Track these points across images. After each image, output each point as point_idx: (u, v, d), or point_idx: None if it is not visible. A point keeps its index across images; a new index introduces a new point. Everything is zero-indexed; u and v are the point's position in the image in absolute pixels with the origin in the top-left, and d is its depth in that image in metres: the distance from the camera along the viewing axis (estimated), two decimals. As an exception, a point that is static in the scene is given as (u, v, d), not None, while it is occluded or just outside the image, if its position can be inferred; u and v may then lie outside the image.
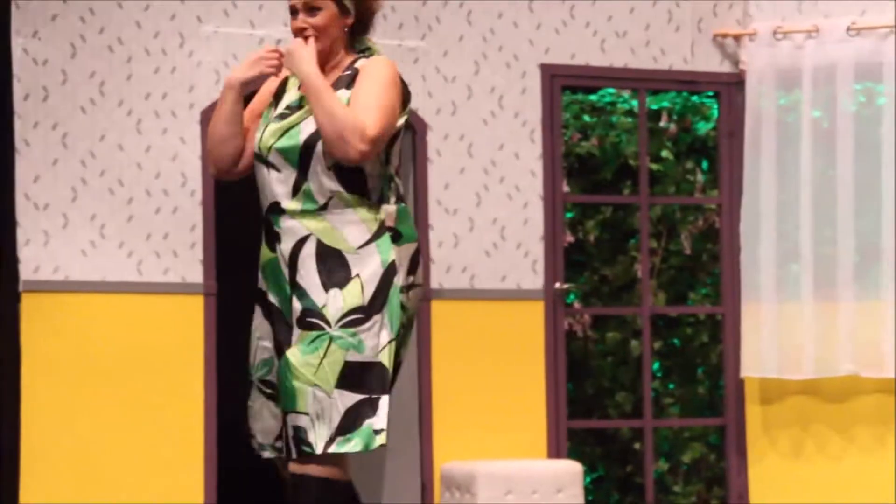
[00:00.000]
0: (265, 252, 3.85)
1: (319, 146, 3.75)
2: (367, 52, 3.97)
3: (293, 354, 3.72)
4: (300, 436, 3.72)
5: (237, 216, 7.21)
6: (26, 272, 5.99)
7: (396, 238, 3.79)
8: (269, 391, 3.87)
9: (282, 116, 3.85)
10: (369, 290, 3.73)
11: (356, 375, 3.72)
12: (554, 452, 6.63)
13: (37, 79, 6.06)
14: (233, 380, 6.79)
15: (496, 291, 6.65)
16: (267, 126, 3.85)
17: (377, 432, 3.73)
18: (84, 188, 6.10)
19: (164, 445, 6.09)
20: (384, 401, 3.73)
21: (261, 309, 3.92)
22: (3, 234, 5.90)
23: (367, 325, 3.72)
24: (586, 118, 7.58)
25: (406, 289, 3.78)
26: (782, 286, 6.74)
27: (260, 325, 3.91)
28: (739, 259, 6.85)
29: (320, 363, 3.69)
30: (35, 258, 6.03)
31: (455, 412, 6.54)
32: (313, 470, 3.70)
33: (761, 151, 6.82)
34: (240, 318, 7.37)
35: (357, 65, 3.88)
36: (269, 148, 3.81)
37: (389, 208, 3.81)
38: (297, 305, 3.74)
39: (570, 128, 7.47)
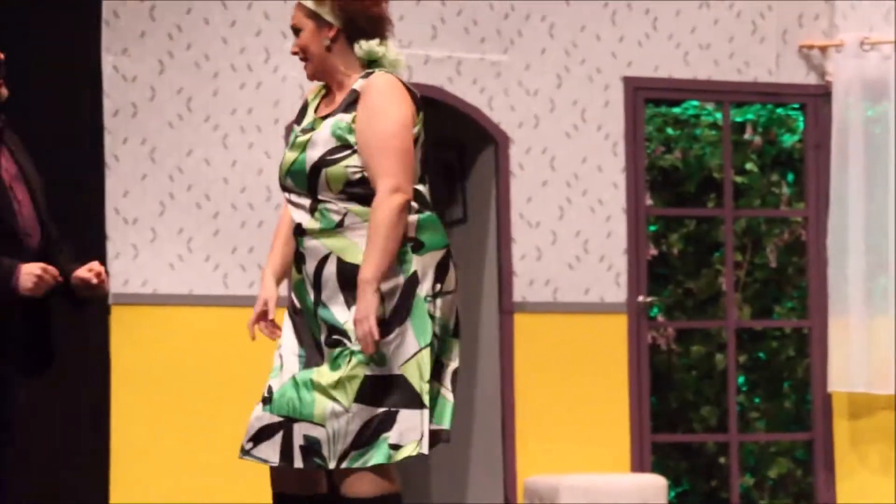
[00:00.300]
0: (294, 273, 3.85)
1: (324, 173, 3.74)
2: (372, 66, 3.85)
3: (318, 372, 3.73)
4: (312, 447, 3.73)
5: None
6: (116, 285, 6.11)
7: (418, 248, 3.72)
8: (265, 395, 3.85)
9: (292, 142, 3.85)
10: (390, 304, 3.68)
11: (376, 390, 3.69)
12: (638, 466, 6.62)
13: (126, 95, 6.18)
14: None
15: (579, 304, 6.67)
16: (286, 152, 3.87)
17: (394, 447, 3.68)
18: (172, 202, 6.21)
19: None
20: (404, 414, 3.68)
21: (291, 325, 3.90)
22: (93, 248, 6.00)
23: (388, 338, 3.67)
24: (669, 131, 7.57)
25: (433, 297, 3.72)
26: (871, 300, 6.70)
27: (285, 341, 3.90)
28: (826, 272, 6.81)
29: (340, 379, 3.70)
30: (124, 271, 6.14)
31: (538, 425, 6.56)
32: (364, 487, 3.70)
33: (849, 163, 6.78)
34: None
35: (357, 86, 3.76)
36: (285, 174, 3.82)
37: (409, 218, 3.77)
38: (323, 325, 3.75)
39: (653, 140, 7.47)
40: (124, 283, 6.13)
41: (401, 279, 3.70)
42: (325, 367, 3.72)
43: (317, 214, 3.75)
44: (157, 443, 6.09)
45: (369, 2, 3.79)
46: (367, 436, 3.68)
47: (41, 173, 4.22)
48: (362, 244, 3.71)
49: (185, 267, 6.22)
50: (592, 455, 6.57)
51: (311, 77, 3.84)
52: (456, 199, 7.02)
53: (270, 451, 3.76)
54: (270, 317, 3.87)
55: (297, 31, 3.81)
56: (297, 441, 3.73)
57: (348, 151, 3.73)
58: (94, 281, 4.05)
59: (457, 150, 6.99)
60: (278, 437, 3.74)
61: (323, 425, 3.70)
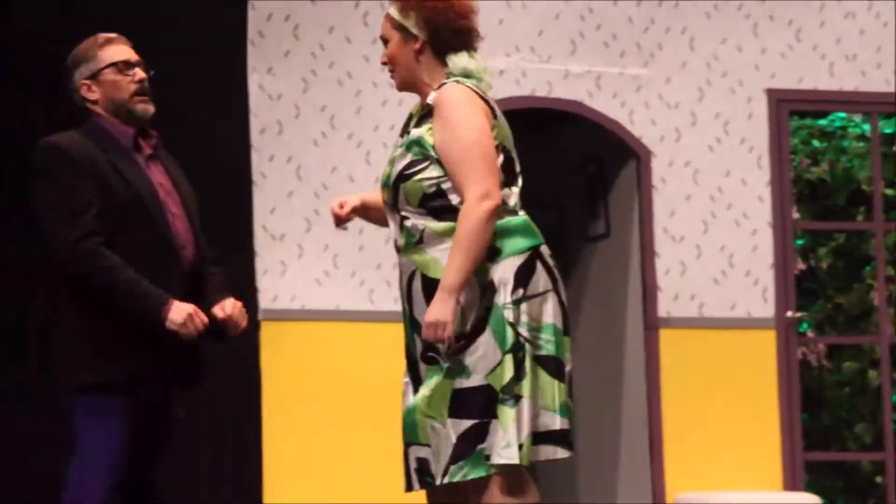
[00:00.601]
0: (397, 288, 3.92)
1: (402, 188, 3.79)
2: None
3: (420, 393, 3.78)
4: (424, 467, 3.76)
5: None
6: (265, 301, 6.22)
7: (494, 255, 3.73)
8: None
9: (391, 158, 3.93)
10: (469, 316, 3.70)
11: (465, 402, 3.70)
12: (790, 485, 6.51)
13: (272, 113, 6.29)
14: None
15: (726, 320, 6.60)
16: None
17: (489, 457, 3.68)
18: (317, 219, 6.30)
19: (394, 467, 6.17)
20: (494, 425, 3.69)
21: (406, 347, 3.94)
22: (242, 265, 6.10)
23: (471, 349, 3.70)
24: (816, 143, 7.49)
25: (516, 303, 3.71)
26: None
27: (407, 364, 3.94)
28: (983, 283, 6.65)
29: (432, 394, 3.72)
30: (273, 288, 6.24)
31: (686, 442, 6.50)
32: (493, 500, 3.69)
33: None
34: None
35: (430, 99, 3.79)
36: (382, 190, 3.88)
37: None
38: (418, 341, 3.79)
39: (798, 153, 7.39)
40: (273, 298, 6.23)
41: (478, 291, 3.71)
42: (423, 385, 3.77)
43: (403, 231, 3.80)
44: (307, 457, 6.16)
45: (454, 14, 3.80)
46: (463, 449, 3.69)
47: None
48: (442, 259, 3.73)
49: (332, 283, 6.30)
50: (742, 473, 6.49)
51: (400, 88, 3.89)
52: (598, 214, 7.01)
53: (406, 478, 3.84)
54: (344, 210, 3.93)
55: (385, 41, 3.85)
56: (412, 465, 3.78)
57: (422, 165, 3.75)
58: (229, 323, 4.10)
59: (598, 164, 6.99)
60: (405, 464, 3.81)
61: (428, 444, 3.74)
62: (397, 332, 6.28)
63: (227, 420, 6.09)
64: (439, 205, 3.75)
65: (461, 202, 3.73)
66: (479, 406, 3.68)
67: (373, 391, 6.25)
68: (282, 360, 6.19)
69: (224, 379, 5.80)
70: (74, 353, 3.92)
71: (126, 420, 3.91)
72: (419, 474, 3.76)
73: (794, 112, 6.93)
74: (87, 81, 4.01)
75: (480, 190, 3.67)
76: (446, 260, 3.70)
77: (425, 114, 3.78)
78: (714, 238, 6.64)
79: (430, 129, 3.75)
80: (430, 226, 3.74)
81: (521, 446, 3.66)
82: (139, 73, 4.03)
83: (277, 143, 6.31)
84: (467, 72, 3.80)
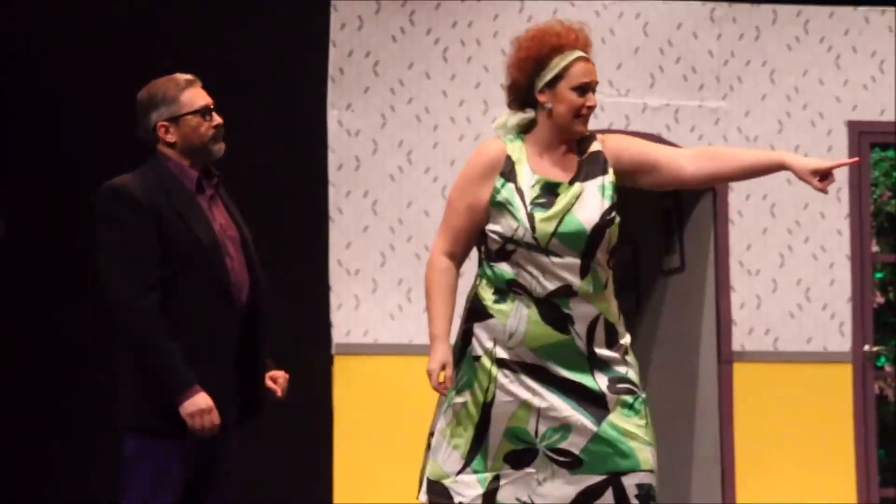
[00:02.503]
0: (551, 333, 3.96)
1: (608, 233, 3.96)
2: (584, 138, 4.05)
3: (618, 419, 3.94)
4: (647, 493, 3.94)
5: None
6: (338, 335, 6.37)
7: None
8: (561, 459, 3.97)
9: (540, 204, 3.97)
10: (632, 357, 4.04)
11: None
12: (865, 520, 6.55)
13: (349, 149, 6.45)
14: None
15: (801, 354, 6.65)
16: (530, 213, 3.96)
17: None
18: (392, 253, 6.43)
19: None
20: None
21: (537, 383, 4.00)
22: (317, 299, 6.22)
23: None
24: (896, 175, 7.49)
25: None
26: None
27: (532, 398, 3.98)
28: None
29: (647, 423, 3.97)
30: (346, 322, 6.38)
31: (760, 478, 6.56)
32: None
33: None
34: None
35: (598, 148, 4.01)
36: (550, 237, 3.94)
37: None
38: (601, 378, 3.95)
39: (879, 186, 7.41)
40: (346, 333, 6.37)
41: (628, 335, 4.10)
42: (619, 415, 3.94)
43: (588, 278, 3.94)
44: (378, 491, 6.29)
45: None
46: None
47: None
48: (613, 304, 3.98)
49: (405, 317, 6.42)
50: (818, 508, 6.53)
51: (584, 134, 4.02)
52: (673, 248, 7.08)
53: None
54: (449, 384, 4.07)
55: (594, 89, 4.01)
56: (631, 492, 3.92)
57: (615, 211, 3.97)
58: (279, 393, 4.22)
59: (674, 197, 7.06)
60: (608, 494, 3.93)
61: (652, 470, 3.95)
62: (470, 365, 6.45)
63: (299, 454, 6.21)
64: (612, 250, 4.00)
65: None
66: None
67: (444, 424, 6.37)
68: (354, 394, 6.32)
69: (296, 413, 5.90)
70: (128, 393, 3.99)
71: (176, 465, 3.96)
72: (641, 500, 3.93)
73: (874, 144, 6.95)
74: (167, 124, 4.05)
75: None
76: (613, 306, 3.99)
77: (604, 160, 3.99)
78: (790, 272, 6.69)
79: (613, 174, 3.98)
80: (609, 273, 4.00)
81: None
82: (216, 118, 4.10)
83: (354, 179, 6.46)
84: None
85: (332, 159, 6.43)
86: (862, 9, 6.80)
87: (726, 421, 6.62)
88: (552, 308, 3.94)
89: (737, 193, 6.72)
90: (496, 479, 3.97)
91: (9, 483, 6.09)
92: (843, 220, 6.74)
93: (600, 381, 3.94)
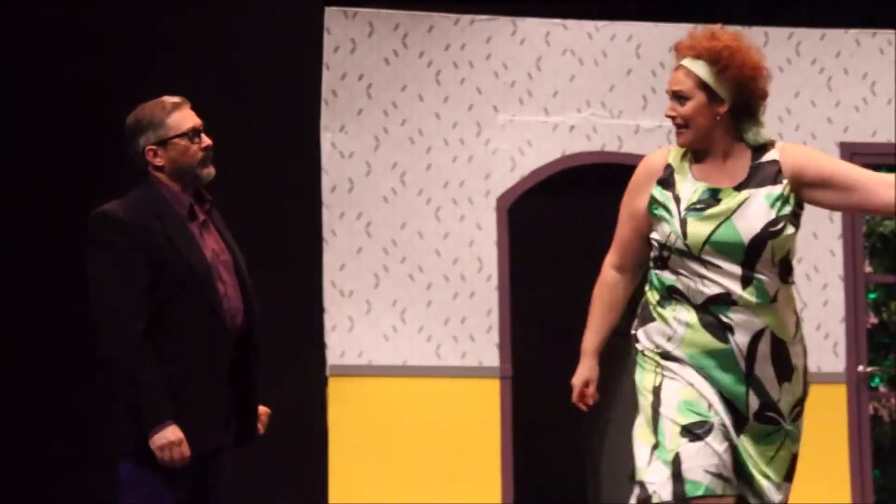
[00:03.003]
0: (710, 340, 3.86)
1: (769, 246, 3.80)
2: (763, 146, 3.90)
3: (748, 443, 3.85)
4: None
5: (533, 300, 7.44)
6: (332, 357, 6.39)
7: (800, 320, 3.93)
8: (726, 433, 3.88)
9: (696, 209, 3.88)
10: (802, 379, 3.88)
11: (794, 467, 3.87)
12: (860, 542, 6.56)
13: (343, 171, 6.48)
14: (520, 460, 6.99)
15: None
16: (683, 219, 3.87)
17: None
18: (386, 275, 6.45)
19: (462, 526, 6.30)
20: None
21: (700, 376, 3.90)
22: (311, 321, 6.24)
23: (802, 414, 3.88)
24: (889, 196, 7.51)
25: None
26: None
27: (697, 384, 3.88)
28: None
29: (774, 455, 3.83)
30: (341, 343, 6.40)
31: (753, 498, 6.55)
32: None
33: None
34: (536, 401, 7.58)
35: (774, 157, 3.86)
36: (703, 244, 3.84)
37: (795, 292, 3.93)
38: (752, 399, 3.84)
39: (871, 206, 7.41)
40: (341, 354, 6.38)
41: (804, 354, 3.90)
42: (750, 439, 3.84)
43: (750, 288, 3.80)
44: (373, 512, 6.31)
45: (763, 81, 3.89)
46: None
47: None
48: (786, 320, 3.81)
49: (399, 338, 6.44)
50: (811, 529, 6.53)
51: (685, 144, 3.87)
52: (667, 269, 7.09)
53: None
54: (591, 401, 4.05)
55: (680, 97, 3.84)
56: None
57: (785, 223, 3.80)
58: (260, 430, 4.25)
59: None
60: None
61: (763, 501, 3.84)
62: (464, 387, 6.49)
63: (294, 475, 6.21)
64: (788, 263, 3.84)
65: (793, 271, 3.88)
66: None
67: (439, 446, 6.38)
68: (349, 415, 6.33)
69: (291, 435, 5.92)
70: (122, 418, 3.99)
71: (169, 491, 3.96)
72: None
73: (867, 165, 6.97)
74: (154, 147, 4.05)
75: None
76: (787, 323, 3.81)
77: (777, 172, 3.83)
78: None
79: (787, 185, 3.82)
80: (783, 287, 3.83)
81: None
82: (206, 140, 4.10)
83: (348, 201, 6.49)
84: (761, 141, 3.90)
85: (326, 181, 6.46)
86: (853, 31, 6.84)
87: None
88: (710, 315, 3.83)
89: (730, 214, 6.74)
90: (677, 458, 3.84)
91: (9, 483, 6.09)
92: (836, 241, 6.77)
93: (752, 402, 3.83)
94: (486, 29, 6.64)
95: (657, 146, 6.72)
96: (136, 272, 3.95)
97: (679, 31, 6.78)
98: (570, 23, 6.70)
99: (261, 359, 4.15)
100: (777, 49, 6.81)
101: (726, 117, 3.84)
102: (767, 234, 3.80)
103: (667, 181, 3.90)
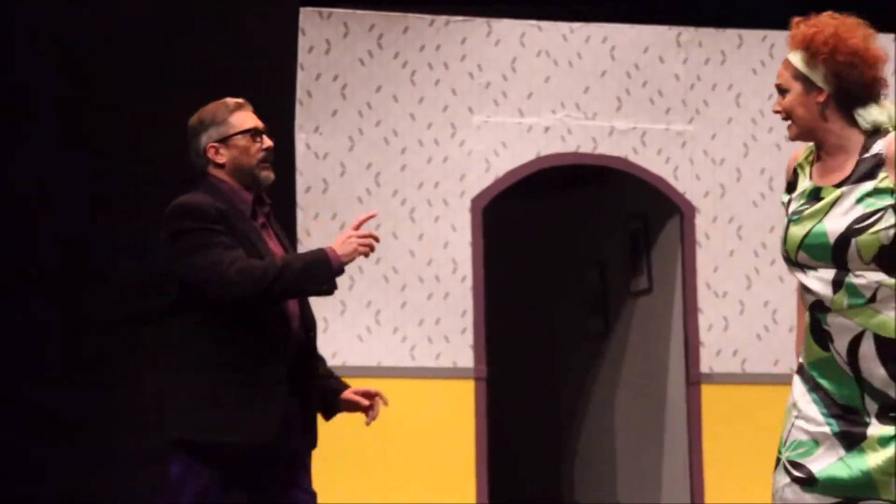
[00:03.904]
0: (817, 349, 3.78)
1: (853, 244, 3.67)
2: (878, 131, 3.73)
3: (873, 446, 3.71)
4: None
5: (507, 302, 7.46)
6: (318, 358, 6.36)
7: None
8: (796, 474, 3.75)
9: (798, 213, 3.78)
10: None
11: None
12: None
13: (317, 172, 6.49)
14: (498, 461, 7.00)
15: (769, 376, 6.71)
16: (787, 224, 3.80)
17: None
18: (360, 276, 6.47)
19: (436, 527, 6.32)
20: None
21: (810, 399, 3.81)
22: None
23: None
24: (862, 198, 7.57)
25: None
26: None
27: (805, 407, 3.80)
28: None
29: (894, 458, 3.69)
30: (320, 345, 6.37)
31: (729, 499, 6.62)
32: None
33: None
34: (510, 402, 7.59)
35: (879, 149, 3.69)
36: (797, 248, 3.75)
37: None
38: (870, 402, 3.70)
39: (844, 208, 7.46)
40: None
41: None
42: (877, 440, 3.71)
43: (842, 291, 3.67)
44: (347, 513, 6.32)
45: (865, 67, 3.70)
46: None
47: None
48: (890, 319, 3.65)
49: (374, 339, 6.45)
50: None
51: (794, 138, 3.76)
52: (641, 270, 7.14)
53: None
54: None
55: (782, 90, 3.75)
56: None
57: (878, 216, 3.67)
58: (365, 403, 4.30)
59: (642, 220, 7.12)
60: None
61: (888, 500, 3.70)
62: (439, 388, 6.50)
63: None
64: (893, 258, 3.66)
65: None
66: None
67: (414, 447, 6.40)
68: (335, 418, 6.33)
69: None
70: (174, 405, 3.97)
71: (220, 485, 3.93)
72: None
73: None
74: (217, 145, 4.10)
75: None
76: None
77: (875, 165, 3.68)
78: (757, 294, 6.75)
79: (884, 177, 3.66)
80: (886, 282, 3.66)
81: None
82: (266, 141, 4.17)
83: (322, 202, 6.50)
84: (878, 124, 3.72)
85: (300, 182, 6.47)
86: (826, 33, 6.89)
87: (695, 443, 6.65)
88: (816, 322, 3.74)
89: (704, 216, 6.78)
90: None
91: (9, 483, 6.09)
92: (809, 243, 6.81)
93: (869, 406, 3.70)
94: (461, 30, 6.65)
95: (631, 148, 6.76)
96: (226, 242, 3.95)
97: (654, 34, 6.84)
98: (545, 24, 6.73)
99: (319, 365, 4.14)
100: (751, 51, 6.85)
101: (832, 106, 3.70)
102: (851, 231, 3.66)
103: (791, 185, 3.82)
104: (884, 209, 3.66)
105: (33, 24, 6.38)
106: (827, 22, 3.77)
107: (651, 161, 6.76)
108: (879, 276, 3.67)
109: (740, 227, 6.79)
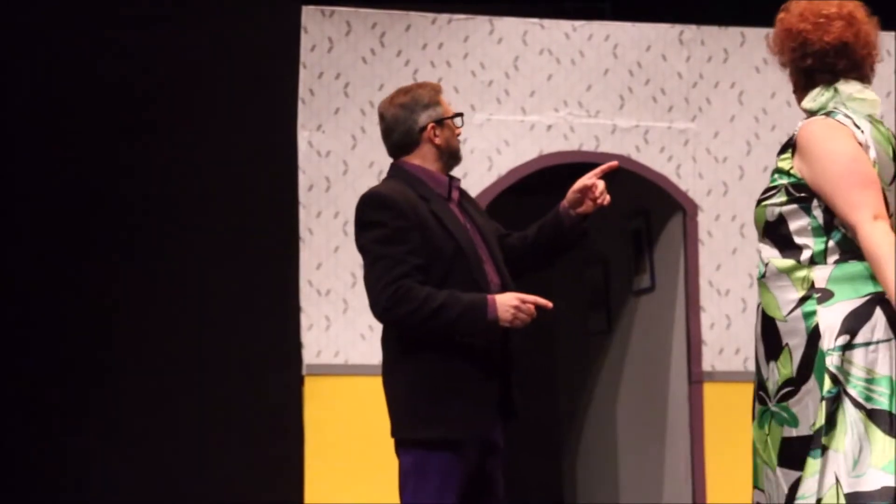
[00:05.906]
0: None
1: (755, 216, 3.77)
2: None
3: (753, 429, 3.82)
4: None
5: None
6: (309, 356, 6.39)
7: (824, 299, 3.63)
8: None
9: None
10: (796, 360, 3.65)
11: (794, 452, 3.65)
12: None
13: (320, 170, 6.49)
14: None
15: (771, 374, 6.69)
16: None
17: None
18: (362, 274, 6.45)
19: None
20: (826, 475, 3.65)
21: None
22: (288, 320, 6.26)
23: (796, 397, 3.65)
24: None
25: (840, 349, 3.60)
26: None
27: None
28: None
29: (766, 440, 3.74)
30: (317, 343, 6.41)
31: (730, 498, 6.62)
32: None
33: None
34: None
35: (795, 132, 3.77)
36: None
37: (820, 269, 3.64)
38: (756, 379, 3.83)
39: (847, 206, 7.48)
40: (317, 353, 6.40)
41: (805, 334, 3.63)
42: (755, 425, 3.79)
43: (760, 262, 3.79)
44: (349, 510, 6.33)
45: (817, 40, 3.85)
46: (790, 499, 3.66)
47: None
48: (778, 298, 3.68)
49: (376, 338, 6.46)
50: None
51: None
52: (644, 268, 7.14)
53: None
54: None
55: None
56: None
57: (773, 192, 3.73)
58: (589, 182, 4.26)
59: (644, 218, 7.12)
60: None
61: (763, 489, 3.77)
62: (441, 385, 6.47)
63: (270, 474, 6.23)
64: (781, 235, 3.69)
65: (806, 246, 3.67)
66: (802, 458, 3.64)
67: (415, 445, 6.41)
68: (325, 414, 6.35)
69: (267, 434, 5.94)
70: (400, 406, 4.11)
71: (453, 481, 4.01)
72: None
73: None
74: (434, 125, 4.21)
75: (859, 216, 3.59)
76: (779, 300, 3.66)
77: (786, 145, 3.76)
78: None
79: (785, 157, 3.71)
80: (774, 261, 3.71)
81: (818, 501, 3.57)
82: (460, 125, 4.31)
83: (325, 199, 6.50)
84: (821, 107, 3.78)
85: (303, 180, 6.48)
86: (829, 31, 6.89)
87: (697, 441, 6.66)
88: None
89: (707, 214, 6.79)
90: None
91: (9, 483, 6.11)
92: (811, 241, 6.82)
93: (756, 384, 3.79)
94: (463, 28, 6.66)
95: (634, 146, 6.77)
96: (409, 249, 3.99)
97: (656, 32, 6.84)
98: (548, 22, 6.74)
99: (516, 342, 4.11)
100: (754, 49, 6.86)
101: (798, 81, 3.87)
102: (757, 204, 3.77)
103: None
104: (779, 187, 3.72)
105: (35, 19, 6.39)
106: (796, 3, 3.99)
107: (653, 159, 6.77)
108: (769, 253, 3.73)
109: (743, 225, 6.80)
